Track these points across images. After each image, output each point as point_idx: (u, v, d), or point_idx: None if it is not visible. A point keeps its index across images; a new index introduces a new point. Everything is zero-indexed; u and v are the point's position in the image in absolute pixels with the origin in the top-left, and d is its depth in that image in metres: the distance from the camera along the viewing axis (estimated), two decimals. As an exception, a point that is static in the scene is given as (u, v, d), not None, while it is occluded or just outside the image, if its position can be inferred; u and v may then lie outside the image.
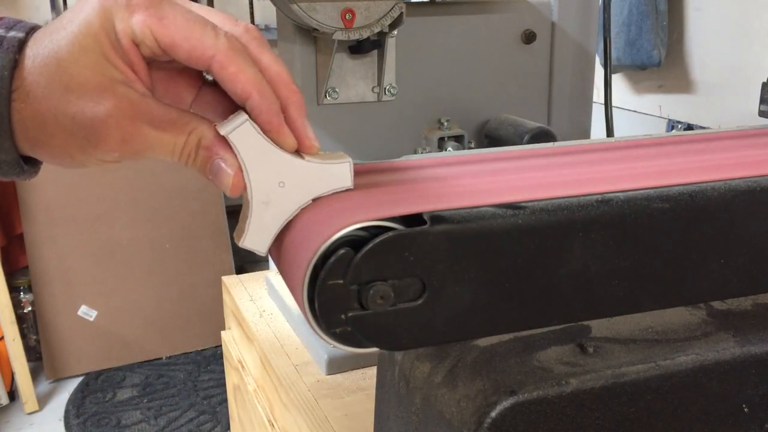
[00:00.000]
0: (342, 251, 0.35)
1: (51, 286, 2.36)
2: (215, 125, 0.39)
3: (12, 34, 0.38)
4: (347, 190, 0.40)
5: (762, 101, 1.33)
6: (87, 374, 2.42)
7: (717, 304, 0.44)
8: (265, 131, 0.39)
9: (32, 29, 0.39)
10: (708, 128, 1.14)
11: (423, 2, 0.91)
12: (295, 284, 0.36)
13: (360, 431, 0.62)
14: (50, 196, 2.34)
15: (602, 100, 1.01)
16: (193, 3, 0.40)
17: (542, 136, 0.83)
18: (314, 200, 0.39)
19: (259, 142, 0.39)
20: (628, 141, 0.50)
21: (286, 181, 0.39)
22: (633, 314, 0.42)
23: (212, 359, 2.51)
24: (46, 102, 0.38)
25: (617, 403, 0.38)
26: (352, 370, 0.71)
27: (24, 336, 2.38)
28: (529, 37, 0.91)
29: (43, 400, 2.30)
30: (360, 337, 0.36)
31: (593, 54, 0.96)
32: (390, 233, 0.35)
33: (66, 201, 2.36)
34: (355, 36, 0.76)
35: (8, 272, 2.27)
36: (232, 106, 0.40)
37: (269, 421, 0.77)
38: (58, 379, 2.40)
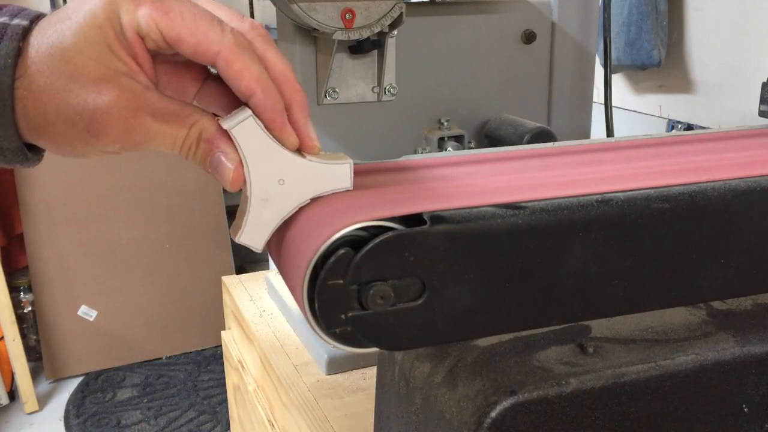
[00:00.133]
0: (342, 251, 0.35)
1: (51, 286, 2.35)
2: (218, 119, 0.39)
3: (16, 21, 0.38)
4: (347, 191, 0.40)
5: (762, 101, 1.33)
6: (87, 374, 2.42)
7: (717, 304, 0.44)
8: (268, 129, 0.39)
9: (37, 17, 0.39)
10: (708, 128, 1.14)
11: (423, 2, 0.91)
12: (295, 284, 0.36)
13: (360, 431, 0.62)
14: (50, 196, 2.33)
15: (602, 100, 1.01)
16: None
17: (542, 136, 0.83)
18: (313, 200, 0.39)
19: (262, 139, 0.39)
20: (628, 141, 0.50)
21: (286, 179, 0.39)
22: (633, 314, 0.42)
23: (212, 359, 2.51)
24: (49, 91, 0.38)
25: (617, 403, 0.38)
26: (352, 370, 0.71)
27: (24, 336, 2.37)
28: (529, 37, 0.91)
29: (43, 400, 2.30)
30: (360, 337, 0.36)
31: (593, 54, 0.96)
32: (390, 233, 0.35)
33: (66, 201, 2.35)
34: (355, 36, 0.76)
35: (8, 272, 2.26)
36: (235, 100, 0.40)
37: (269, 421, 0.77)
38: (58, 379, 2.39)
